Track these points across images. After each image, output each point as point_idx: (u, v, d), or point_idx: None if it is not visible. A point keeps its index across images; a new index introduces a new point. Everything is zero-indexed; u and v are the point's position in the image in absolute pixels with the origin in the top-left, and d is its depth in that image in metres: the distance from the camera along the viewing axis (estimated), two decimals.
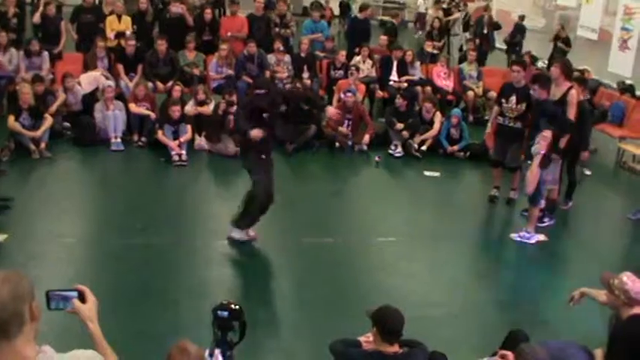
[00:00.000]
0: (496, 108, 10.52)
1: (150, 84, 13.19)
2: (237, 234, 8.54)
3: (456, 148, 12.65)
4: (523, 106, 10.06)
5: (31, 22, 15.20)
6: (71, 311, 3.07)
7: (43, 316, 2.79)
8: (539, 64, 17.66)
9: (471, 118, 14.63)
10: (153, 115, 12.21)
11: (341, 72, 14.54)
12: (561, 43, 18.72)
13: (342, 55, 14.88)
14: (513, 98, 10.09)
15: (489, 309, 7.57)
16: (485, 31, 17.73)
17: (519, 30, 20.40)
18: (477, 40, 17.72)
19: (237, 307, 4.71)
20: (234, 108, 11.89)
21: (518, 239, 9.25)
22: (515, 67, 10.46)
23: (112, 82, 12.86)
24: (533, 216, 9.26)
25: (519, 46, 19.96)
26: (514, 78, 10.26)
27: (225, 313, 4.65)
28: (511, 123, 10.17)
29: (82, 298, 3.08)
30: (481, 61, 17.16)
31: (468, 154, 12.56)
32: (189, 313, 6.82)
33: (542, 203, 9.37)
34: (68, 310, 3.08)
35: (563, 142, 9.33)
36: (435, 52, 17.26)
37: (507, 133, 10.28)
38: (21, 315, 2.68)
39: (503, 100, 10.24)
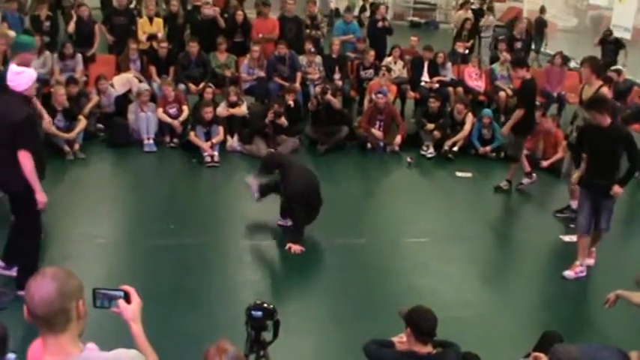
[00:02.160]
0: None
1: (182, 86, 13.28)
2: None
3: (488, 149, 12.61)
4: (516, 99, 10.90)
5: (64, 25, 15.32)
6: (116, 311, 3.11)
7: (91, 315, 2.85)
8: (572, 64, 17.50)
9: (502, 118, 14.51)
10: (177, 124, 12.30)
11: (370, 71, 14.52)
12: (611, 45, 18.29)
13: (371, 55, 14.86)
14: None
15: (522, 310, 7.53)
16: (521, 37, 17.49)
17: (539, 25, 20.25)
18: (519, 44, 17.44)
19: (270, 306, 4.73)
20: (282, 119, 12.14)
21: (575, 276, 8.34)
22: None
23: (147, 86, 12.93)
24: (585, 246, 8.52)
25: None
26: (514, 76, 11.44)
27: (259, 313, 4.67)
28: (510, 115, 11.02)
29: (127, 298, 3.13)
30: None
31: (501, 154, 12.50)
32: (222, 313, 6.86)
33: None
34: (113, 310, 3.12)
35: None
36: (466, 52, 17.17)
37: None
38: (67, 312, 2.73)
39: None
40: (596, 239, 8.53)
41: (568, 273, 8.31)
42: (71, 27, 14.43)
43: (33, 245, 7.08)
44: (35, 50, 9.54)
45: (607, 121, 7.87)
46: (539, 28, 20.54)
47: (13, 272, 7.12)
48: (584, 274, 8.33)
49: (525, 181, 11.09)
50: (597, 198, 8.13)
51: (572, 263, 8.33)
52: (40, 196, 6.78)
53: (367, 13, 22.77)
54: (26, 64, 8.03)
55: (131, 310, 3.11)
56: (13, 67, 6.82)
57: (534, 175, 11.12)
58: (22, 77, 6.65)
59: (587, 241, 8.34)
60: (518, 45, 16.94)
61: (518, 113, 10.54)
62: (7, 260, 7.23)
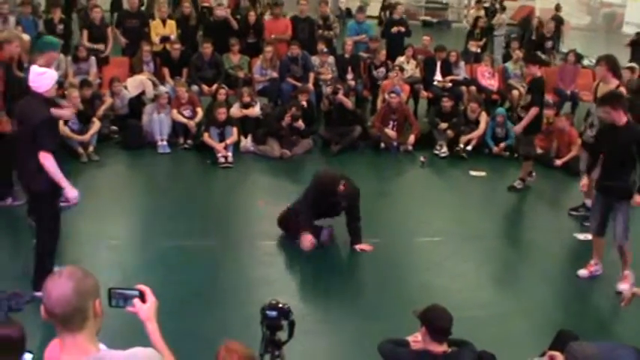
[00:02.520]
0: None
1: (195, 87, 13.31)
2: None
3: (502, 146, 12.58)
4: (528, 97, 10.69)
5: (77, 28, 15.37)
6: (131, 310, 3.13)
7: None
8: (585, 62, 17.43)
9: (516, 116, 14.49)
10: (192, 125, 12.33)
11: (382, 70, 14.52)
12: None
13: (382, 54, 14.86)
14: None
15: (537, 309, 7.50)
16: (551, 35, 17.37)
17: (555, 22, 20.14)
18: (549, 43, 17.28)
19: (285, 306, 4.73)
20: (300, 122, 12.16)
21: (589, 275, 8.24)
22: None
23: (166, 89, 12.97)
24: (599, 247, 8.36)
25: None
26: (527, 73, 11.44)
27: (274, 313, 4.67)
28: (523, 113, 10.84)
29: (142, 298, 3.14)
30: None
31: (515, 154, 12.47)
32: (237, 313, 6.87)
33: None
34: (128, 309, 3.13)
35: None
36: (478, 51, 17.13)
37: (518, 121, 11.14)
38: (84, 310, 2.76)
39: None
40: (624, 259, 8.01)
41: (582, 272, 8.24)
42: (85, 37, 14.44)
43: (49, 246, 7.13)
44: (59, 50, 9.64)
45: (622, 119, 7.62)
46: (555, 25, 20.45)
47: None
48: (599, 272, 8.22)
49: (518, 183, 11.07)
50: (610, 200, 7.90)
51: (587, 262, 8.30)
52: (70, 192, 6.92)
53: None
54: (50, 64, 8.32)
55: (147, 310, 3.13)
56: (35, 68, 6.91)
57: (529, 179, 11.18)
58: (44, 78, 6.74)
59: (600, 242, 8.21)
60: (549, 44, 16.84)
61: (533, 112, 10.48)
62: (37, 288, 7.20)
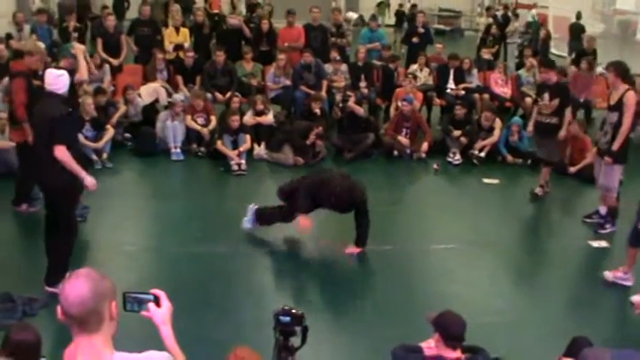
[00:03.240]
0: (535, 107, 10.99)
1: (209, 94, 13.36)
2: None
3: (518, 161, 12.59)
4: (556, 101, 10.40)
5: (90, 36, 15.46)
6: (146, 314, 3.14)
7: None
8: (598, 69, 17.36)
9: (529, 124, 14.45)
10: (206, 132, 12.38)
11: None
12: None
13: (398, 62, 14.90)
14: (546, 95, 10.47)
15: (551, 316, 7.46)
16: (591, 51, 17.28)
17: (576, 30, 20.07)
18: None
19: (299, 312, 4.73)
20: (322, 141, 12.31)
21: (612, 279, 8.22)
22: (541, 69, 11.12)
23: (182, 97, 13.02)
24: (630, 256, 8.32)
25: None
26: (543, 78, 10.83)
27: (287, 319, 4.66)
28: (547, 119, 10.56)
29: (157, 302, 3.15)
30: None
31: (528, 161, 12.45)
32: (250, 319, 6.88)
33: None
34: (143, 313, 3.14)
35: (616, 145, 9.12)
36: (491, 58, 17.13)
37: (544, 128, 10.68)
38: (100, 313, 2.77)
39: (539, 99, 10.74)
40: None
41: (607, 274, 8.23)
42: (100, 45, 14.49)
43: (66, 244, 7.23)
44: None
45: None
46: (575, 33, 20.41)
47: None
48: (626, 282, 8.09)
49: (539, 190, 10.96)
50: None
51: (601, 268, 8.33)
52: (88, 181, 7.06)
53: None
54: (70, 68, 8.65)
55: (161, 314, 3.14)
56: (52, 71, 7.15)
57: (546, 190, 11.00)
58: (62, 80, 7.00)
59: (631, 251, 8.09)
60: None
61: (569, 115, 10.65)
62: (50, 283, 7.22)
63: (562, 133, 10.64)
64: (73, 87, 8.21)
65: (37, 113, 7.26)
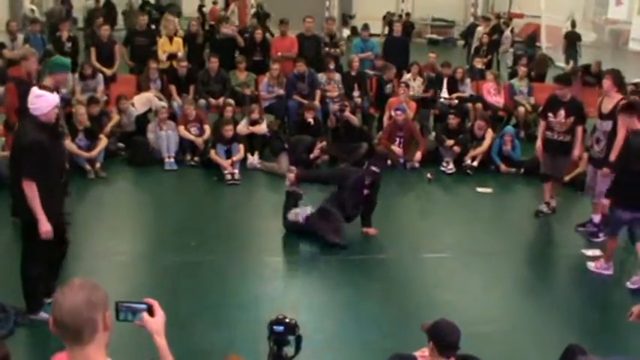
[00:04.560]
0: (542, 122, 10.46)
1: (203, 101, 13.40)
2: None
3: (512, 170, 12.61)
4: (571, 119, 10.00)
5: (84, 46, 15.45)
6: (139, 324, 3.13)
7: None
8: (591, 79, 17.40)
9: (522, 134, 14.50)
10: (200, 142, 12.40)
11: (389, 86, 14.57)
12: None
13: (392, 71, 14.90)
14: (562, 112, 10.01)
15: (544, 326, 7.46)
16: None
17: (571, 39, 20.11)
18: None
19: (292, 321, 4.72)
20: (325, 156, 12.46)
21: (594, 269, 8.75)
22: (556, 85, 10.47)
23: (165, 104, 13.07)
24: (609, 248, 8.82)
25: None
26: (559, 94, 10.17)
27: (281, 328, 4.65)
28: (560, 137, 10.12)
29: (150, 311, 3.14)
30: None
31: (521, 170, 12.48)
32: (244, 328, 6.86)
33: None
34: (136, 323, 3.13)
35: (613, 156, 9.10)
36: (483, 68, 17.17)
37: (556, 146, 10.21)
38: (94, 322, 2.76)
39: (550, 114, 10.16)
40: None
41: (590, 264, 8.85)
42: (93, 55, 14.50)
43: (30, 271, 6.91)
44: (69, 71, 9.52)
45: (637, 125, 8.32)
46: (571, 42, 20.48)
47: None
48: (604, 272, 8.67)
49: (543, 207, 10.69)
50: None
51: (594, 276, 8.50)
52: (43, 226, 6.54)
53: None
54: (61, 84, 8.42)
55: (155, 323, 3.13)
56: (34, 90, 6.61)
57: (553, 206, 10.71)
58: (41, 100, 6.46)
59: (611, 243, 8.68)
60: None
61: (581, 130, 10.14)
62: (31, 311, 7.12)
63: (577, 152, 10.30)
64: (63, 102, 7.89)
65: (15, 134, 6.93)
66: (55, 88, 7.16)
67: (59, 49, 14.28)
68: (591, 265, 8.79)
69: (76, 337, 2.75)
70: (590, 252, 9.25)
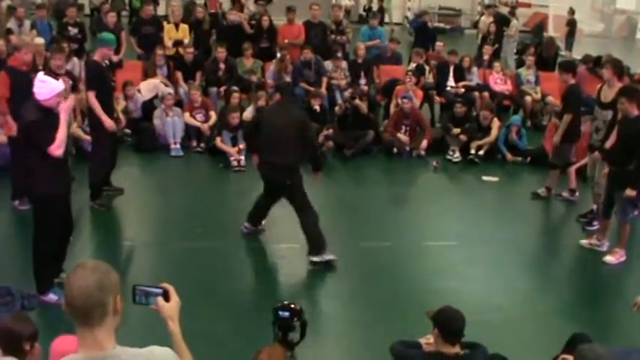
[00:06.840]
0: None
1: (214, 89, 13.49)
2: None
3: (518, 159, 12.60)
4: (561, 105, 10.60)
5: (90, 32, 15.43)
6: (154, 308, 3.12)
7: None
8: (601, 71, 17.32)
9: (529, 123, 14.46)
10: (206, 128, 12.41)
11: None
12: None
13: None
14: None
15: (549, 314, 7.47)
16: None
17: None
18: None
19: (298, 307, 4.73)
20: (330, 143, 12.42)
21: (588, 246, 9.06)
22: (558, 71, 11.15)
23: (171, 90, 13.06)
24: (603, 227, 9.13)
25: None
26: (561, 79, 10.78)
27: (287, 313, 4.68)
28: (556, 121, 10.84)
29: (166, 296, 3.14)
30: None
31: (527, 159, 12.46)
32: (250, 314, 6.88)
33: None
34: (151, 307, 3.13)
35: (609, 144, 9.02)
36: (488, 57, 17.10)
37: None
38: (105, 306, 2.76)
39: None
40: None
41: (583, 241, 9.15)
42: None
43: (45, 247, 7.01)
44: (114, 46, 9.91)
45: (634, 111, 8.35)
46: (572, 29, 20.39)
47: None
48: (599, 248, 8.97)
49: (565, 194, 10.81)
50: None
51: (597, 264, 8.53)
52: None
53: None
54: (106, 58, 9.36)
55: (169, 308, 3.12)
56: (39, 75, 6.77)
57: (577, 194, 10.80)
58: (44, 86, 6.56)
59: (605, 223, 9.01)
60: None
61: (567, 119, 10.19)
62: (41, 291, 7.16)
63: (556, 138, 10.45)
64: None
65: (20, 114, 7.00)
66: (58, 74, 7.32)
67: (66, 36, 14.24)
68: (610, 259, 8.68)
69: (86, 319, 2.75)
70: (586, 242, 9.19)
